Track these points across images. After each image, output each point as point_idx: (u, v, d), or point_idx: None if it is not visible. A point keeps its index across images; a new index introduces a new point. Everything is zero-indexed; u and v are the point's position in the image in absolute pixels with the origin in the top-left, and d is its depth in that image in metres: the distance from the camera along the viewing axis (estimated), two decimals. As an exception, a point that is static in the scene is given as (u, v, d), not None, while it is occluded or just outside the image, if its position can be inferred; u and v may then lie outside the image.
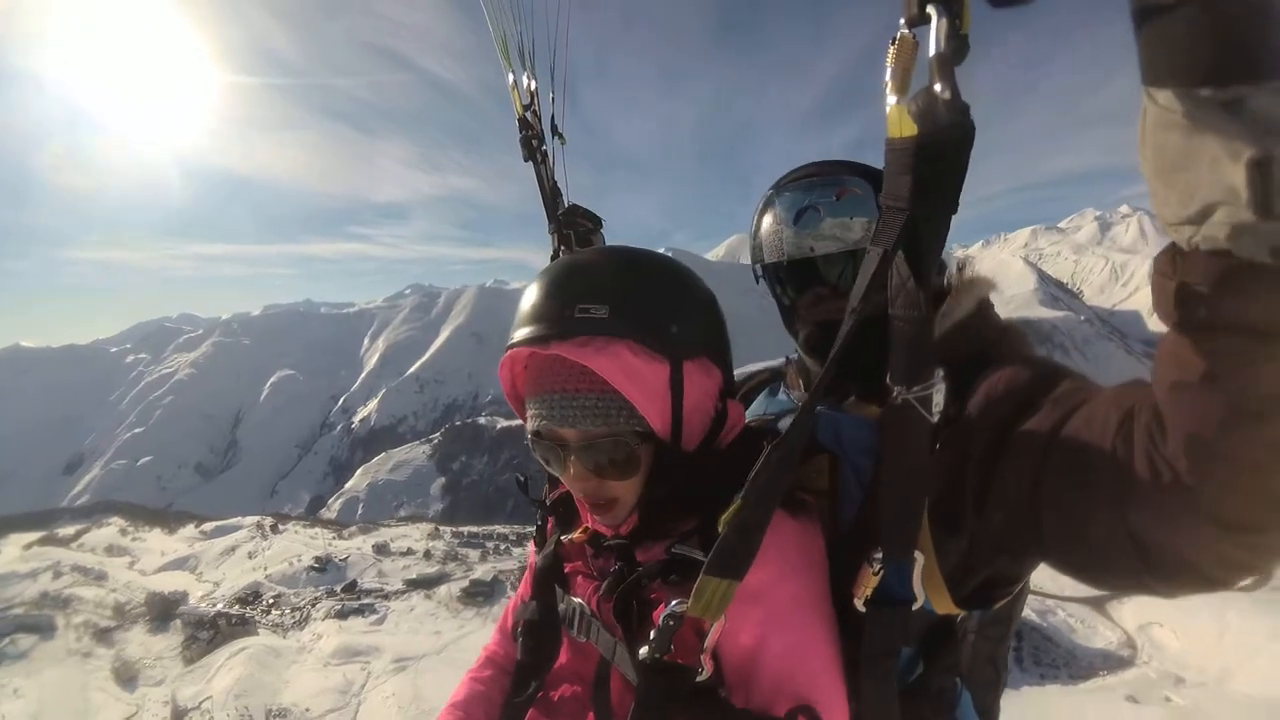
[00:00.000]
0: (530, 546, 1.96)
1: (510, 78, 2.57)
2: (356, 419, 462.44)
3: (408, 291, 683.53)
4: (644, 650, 1.27)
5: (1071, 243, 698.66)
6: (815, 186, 1.74)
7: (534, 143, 2.59)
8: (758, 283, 1.99)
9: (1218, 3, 0.75)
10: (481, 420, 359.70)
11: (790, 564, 1.34)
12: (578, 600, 1.58)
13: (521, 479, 1.90)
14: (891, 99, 1.08)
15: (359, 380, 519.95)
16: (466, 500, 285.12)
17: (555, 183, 2.62)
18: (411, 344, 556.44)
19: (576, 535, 1.64)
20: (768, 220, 1.81)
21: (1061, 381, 1.37)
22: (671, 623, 1.24)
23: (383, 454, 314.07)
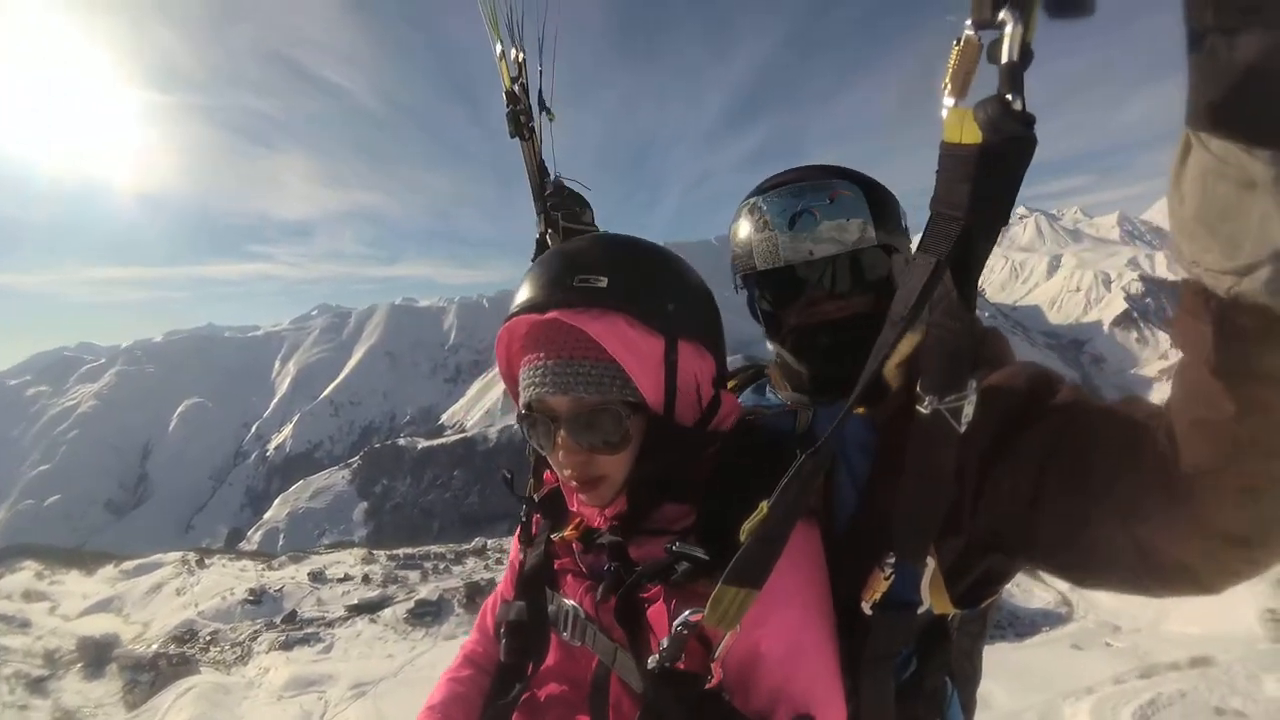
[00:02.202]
0: (514, 544, 1.93)
1: (498, 48, 2.46)
2: (271, 446, 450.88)
3: (315, 312, 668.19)
4: (653, 659, 1.25)
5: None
6: (805, 191, 1.72)
7: (521, 118, 2.47)
8: (737, 292, 1.98)
9: None
10: (401, 441, 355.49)
11: (792, 565, 1.27)
12: (570, 602, 1.56)
13: (508, 475, 1.87)
14: (949, 102, 1.04)
15: (271, 406, 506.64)
16: (391, 524, 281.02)
17: (543, 161, 2.55)
18: (324, 366, 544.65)
19: (568, 532, 1.62)
20: (753, 227, 1.76)
21: (1059, 389, 1.41)
22: (685, 632, 1.24)
23: (301, 481, 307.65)
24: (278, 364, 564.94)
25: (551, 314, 1.39)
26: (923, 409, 1.27)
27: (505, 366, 1.63)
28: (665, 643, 1.24)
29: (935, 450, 1.30)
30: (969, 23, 0.99)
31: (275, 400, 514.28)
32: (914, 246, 1.02)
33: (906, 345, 1.51)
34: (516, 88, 2.45)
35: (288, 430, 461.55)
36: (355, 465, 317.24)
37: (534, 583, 1.67)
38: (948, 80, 1.03)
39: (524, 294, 1.49)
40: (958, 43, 1.01)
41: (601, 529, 1.53)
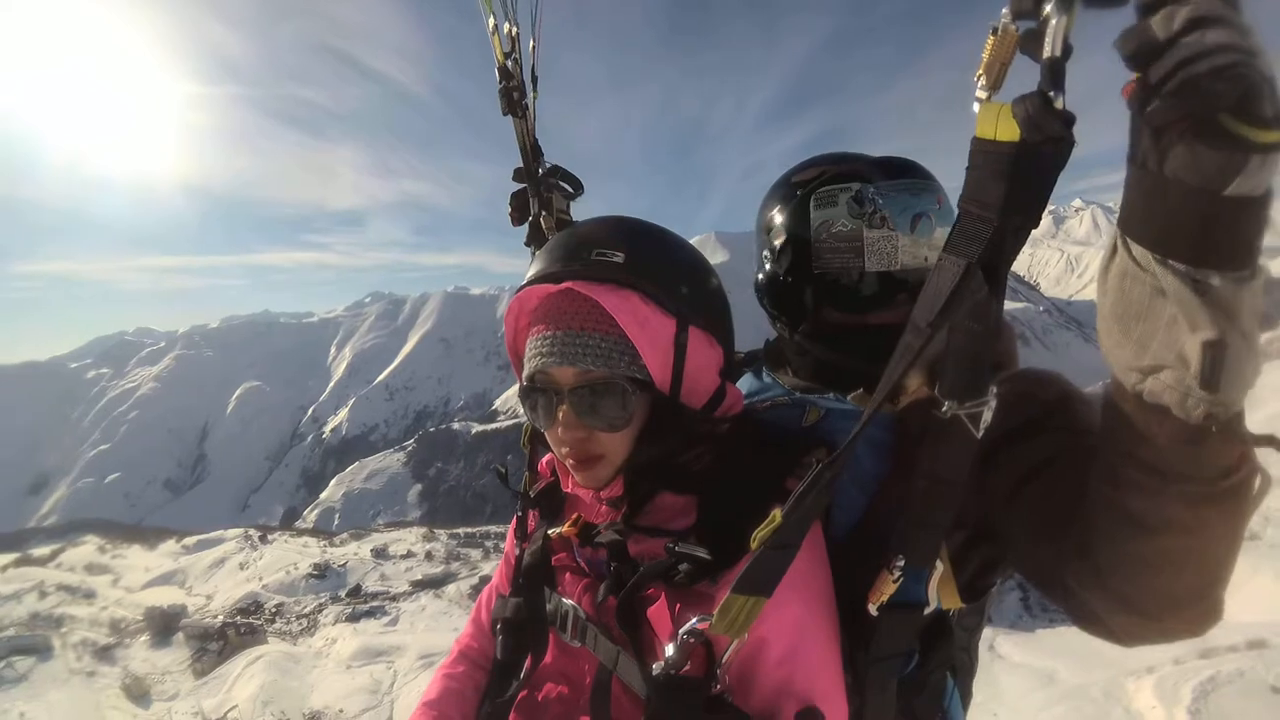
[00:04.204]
0: (509, 538, 1.89)
1: (490, 22, 2.38)
2: (327, 429, 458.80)
3: (368, 299, 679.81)
4: (658, 666, 1.26)
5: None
6: (921, 191, 1.67)
7: (514, 95, 2.44)
8: (783, 279, 1.84)
9: (1221, 199, 0.81)
10: (455, 426, 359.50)
11: (795, 563, 1.25)
12: (569, 602, 1.54)
13: (502, 470, 1.91)
14: (983, 95, 1.02)
15: (327, 390, 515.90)
16: (445, 506, 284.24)
17: (536, 140, 2.49)
18: (379, 351, 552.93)
19: (566, 529, 1.58)
20: (860, 220, 1.67)
21: (1071, 411, 1.42)
22: (691, 640, 1.24)
23: (356, 463, 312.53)
24: (333, 349, 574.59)
25: (566, 285, 1.40)
26: (941, 413, 1.26)
27: (511, 340, 1.62)
28: (670, 650, 1.25)
29: (952, 455, 1.30)
30: (1005, 11, 0.96)
31: (331, 384, 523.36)
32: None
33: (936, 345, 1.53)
34: (509, 63, 2.42)
35: (343, 414, 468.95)
36: (410, 448, 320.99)
37: (531, 579, 1.67)
38: (982, 72, 1.01)
39: (537, 266, 1.50)
40: (994, 32, 0.98)
41: (599, 524, 1.54)
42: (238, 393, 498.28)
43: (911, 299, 1.57)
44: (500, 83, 2.43)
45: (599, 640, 1.43)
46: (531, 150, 2.49)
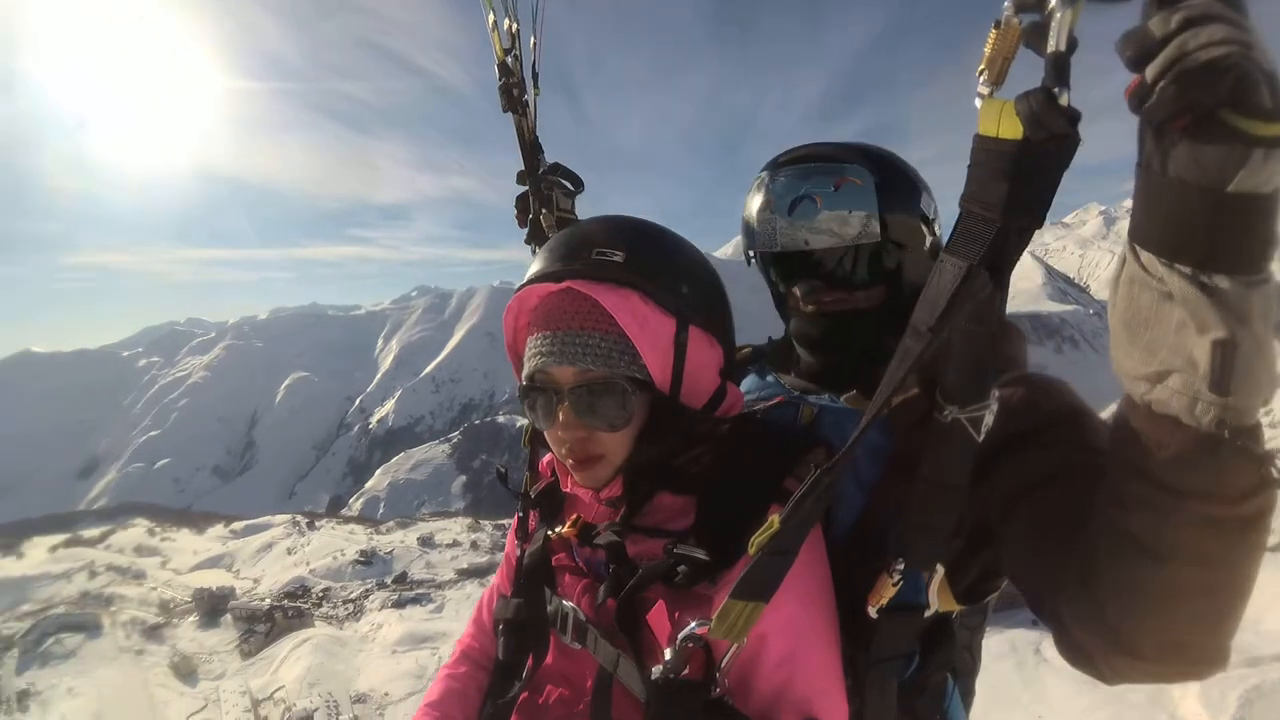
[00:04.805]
0: (509, 538, 1.89)
1: (490, 19, 2.36)
2: (374, 419, 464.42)
3: (414, 293, 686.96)
4: (657, 670, 1.24)
5: (1077, 237, 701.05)
6: (812, 174, 1.64)
7: (514, 91, 2.41)
8: (749, 264, 1.93)
9: (1225, 197, 0.79)
10: (500, 419, 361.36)
11: (795, 566, 1.23)
12: (569, 604, 1.51)
13: (502, 470, 1.92)
14: (985, 90, 1.00)
15: (374, 381, 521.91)
16: (489, 498, 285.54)
17: (536, 137, 2.47)
18: (425, 344, 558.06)
19: (566, 529, 1.56)
20: (759, 204, 1.70)
21: (1075, 426, 1.37)
22: (690, 645, 1.23)
23: (402, 453, 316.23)
24: (380, 341, 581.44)
25: (566, 284, 1.39)
26: (942, 417, 1.25)
27: (511, 339, 1.61)
28: (669, 654, 1.24)
29: (952, 460, 1.28)
30: (1008, 4, 0.94)
31: (378, 376, 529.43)
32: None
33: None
34: (510, 60, 2.40)
35: (390, 405, 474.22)
36: (455, 440, 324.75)
37: (532, 580, 1.65)
38: (984, 66, 0.99)
39: (537, 265, 1.48)
40: (996, 26, 0.96)
41: (598, 525, 1.53)
42: (286, 382, 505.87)
43: (831, 287, 1.71)
44: (500, 79, 2.41)
45: (598, 642, 1.41)
46: (532, 147, 2.46)
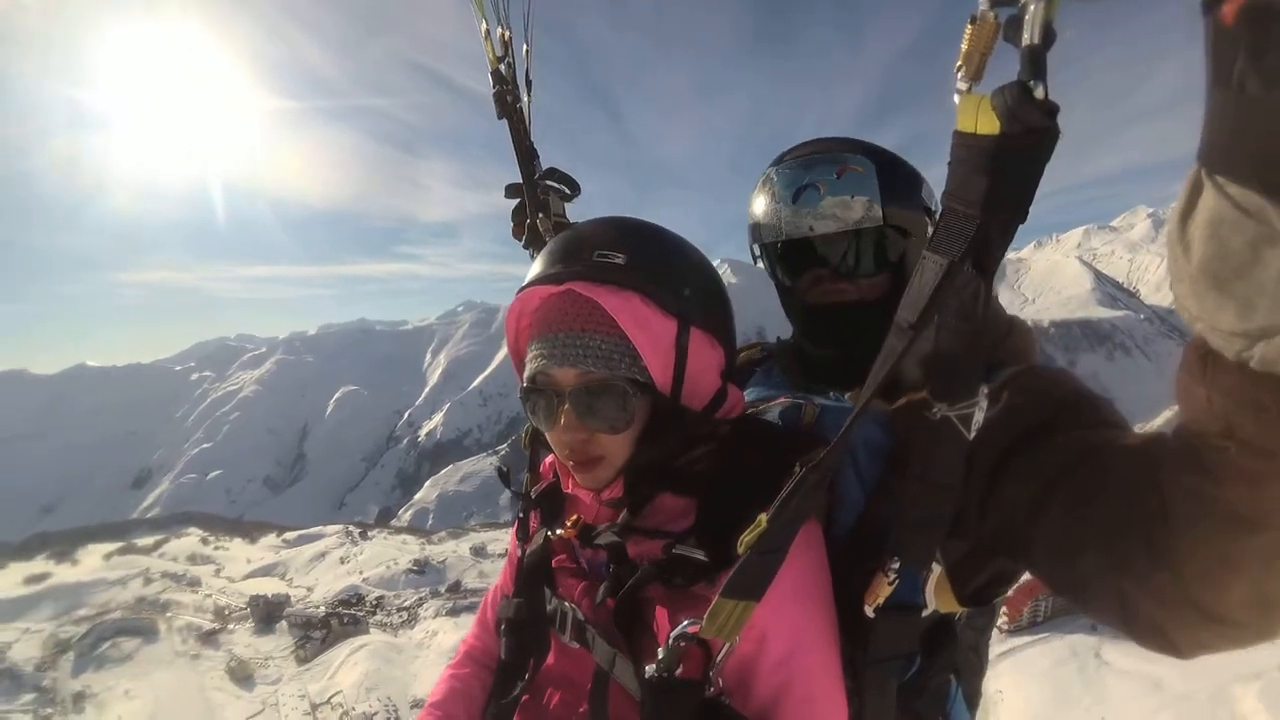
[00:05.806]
0: (511, 538, 1.92)
1: (483, 27, 2.38)
2: (422, 432, 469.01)
3: (460, 308, 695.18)
4: (650, 669, 1.25)
5: (1125, 241, 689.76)
6: (815, 164, 1.67)
7: (508, 99, 2.41)
8: (755, 263, 1.93)
9: None
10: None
11: (792, 565, 1.23)
12: (568, 604, 1.51)
13: (503, 469, 1.91)
14: (963, 86, 0.98)
15: (423, 395, 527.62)
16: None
17: (531, 143, 2.47)
18: (473, 359, 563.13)
19: (566, 530, 1.56)
20: (765, 198, 1.73)
21: (1084, 408, 1.36)
22: (682, 644, 1.23)
23: (450, 466, 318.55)
24: (429, 356, 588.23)
25: (567, 285, 1.38)
26: (931, 415, 1.26)
27: (513, 342, 1.62)
28: (662, 653, 1.25)
29: (942, 458, 1.29)
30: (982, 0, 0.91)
31: (426, 390, 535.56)
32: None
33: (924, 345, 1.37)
34: (502, 67, 2.42)
35: (438, 418, 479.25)
36: (503, 453, 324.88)
37: (532, 580, 1.67)
38: (961, 62, 0.97)
39: (538, 268, 1.49)
40: (972, 21, 0.94)
41: (599, 526, 1.53)
42: (336, 396, 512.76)
43: (836, 275, 1.71)
44: (494, 87, 2.42)
45: (596, 642, 1.41)
46: (527, 154, 2.46)
